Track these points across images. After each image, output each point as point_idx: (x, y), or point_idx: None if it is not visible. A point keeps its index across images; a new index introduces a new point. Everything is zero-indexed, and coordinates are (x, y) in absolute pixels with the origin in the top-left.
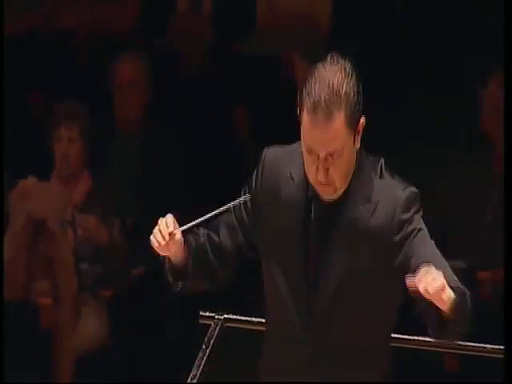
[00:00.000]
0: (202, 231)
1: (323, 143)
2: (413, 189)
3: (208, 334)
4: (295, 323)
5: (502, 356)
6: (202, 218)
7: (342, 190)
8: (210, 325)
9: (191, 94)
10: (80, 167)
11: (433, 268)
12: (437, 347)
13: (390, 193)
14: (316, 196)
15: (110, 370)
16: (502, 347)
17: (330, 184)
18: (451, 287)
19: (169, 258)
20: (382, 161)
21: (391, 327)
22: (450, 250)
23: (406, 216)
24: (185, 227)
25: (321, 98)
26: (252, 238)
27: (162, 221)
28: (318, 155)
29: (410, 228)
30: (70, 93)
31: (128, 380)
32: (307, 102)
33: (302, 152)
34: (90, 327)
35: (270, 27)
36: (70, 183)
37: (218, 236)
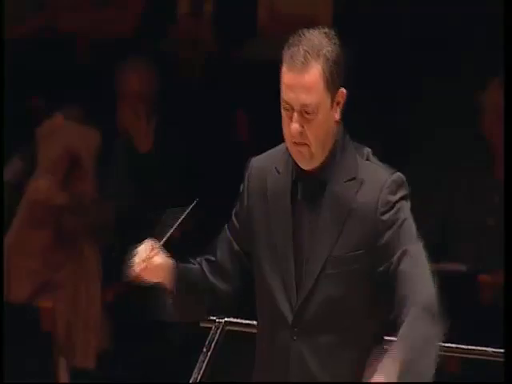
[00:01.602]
0: (199, 258)
1: (298, 92)
2: (400, 174)
3: (209, 338)
4: (283, 310)
5: (501, 359)
6: (172, 229)
7: (320, 158)
8: (211, 328)
9: (192, 98)
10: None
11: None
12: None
13: (376, 174)
14: (301, 176)
15: (111, 373)
16: (501, 350)
17: (305, 145)
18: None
19: (164, 287)
20: (369, 149)
21: (377, 316)
22: (451, 253)
23: (393, 198)
24: (162, 241)
25: (300, 48)
26: (246, 243)
27: (141, 248)
28: (293, 111)
29: (397, 214)
30: (71, 98)
31: (130, 382)
32: (287, 54)
33: (286, 150)
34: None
35: (271, 30)
36: None
37: (215, 255)
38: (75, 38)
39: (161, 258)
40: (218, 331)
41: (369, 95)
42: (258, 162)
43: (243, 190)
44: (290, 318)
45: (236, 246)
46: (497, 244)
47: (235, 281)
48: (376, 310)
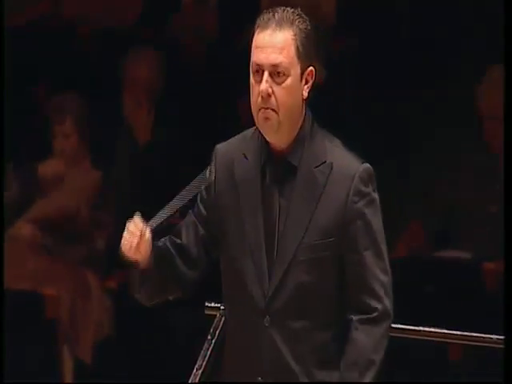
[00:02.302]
0: (164, 239)
1: (270, 52)
2: (367, 165)
3: (213, 325)
4: (255, 297)
5: (503, 346)
6: (165, 212)
7: (286, 132)
8: (216, 315)
9: (196, 85)
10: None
11: None
12: (444, 338)
13: (346, 160)
14: (270, 161)
15: (116, 360)
16: (503, 338)
17: (272, 112)
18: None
19: (137, 263)
20: (338, 140)
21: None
22: (455, 241)
23: (365, 189)
24: (154, 224)
25: (274, 15)
26: (213, 229)
27: (130, 223)
28: (263, 73)
29: (368, 205)
30: (74, 85)
31: (134, 371)
32: (260, 20)
33: (253, 134)
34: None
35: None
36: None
37: (181, 238)
38: (78, 25)
39: (148, 233)
40: (223, 318)
41: (368, 89)
42: (223, 148)
43: (210, 175)
44: (262, 304)
45: (202, 230)
46: (500, 231)
47: (200, 264)
48: (347, 296)
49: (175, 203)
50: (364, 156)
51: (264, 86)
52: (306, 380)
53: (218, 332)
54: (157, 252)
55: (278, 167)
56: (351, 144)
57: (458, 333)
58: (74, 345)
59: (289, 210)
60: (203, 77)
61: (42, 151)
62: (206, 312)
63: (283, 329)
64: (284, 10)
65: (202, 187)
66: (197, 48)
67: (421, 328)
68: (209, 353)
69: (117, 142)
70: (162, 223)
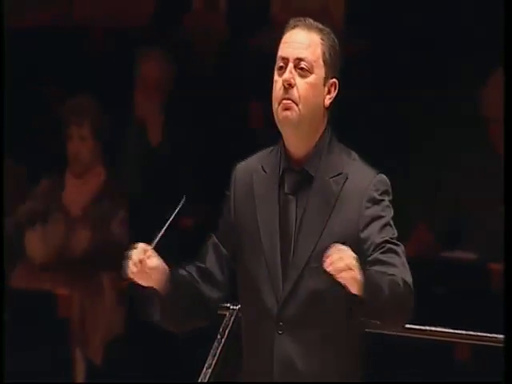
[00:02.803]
0: (189, 266)
1: (297, 47)
2: (382, 176)
3: (223, 324)
4: (269, 304)
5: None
6: (162, 231)
7: (306, 129)
8: (225, 315)
9: (206, 89)
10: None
11: (344, 247)
12: (449, 337)
13: (362, 171)
14: (287, 171)
15: (126, 360)
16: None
17: (292, 104)
18: (368, 273)
19: (155, 290)
20: (355, 153)
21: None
22: (462, 242)
23: (379, 196)
24: (154, 243)
25: (305, 20)
26: (233, 246)
27: (133, 251)
28: (287, 66)
29: (381, 211)
30: (86, 89)
31: (144, 371)
32: (289, 23)
33: (272, 150)
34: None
35: (283, 21)
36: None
37: (205, 262)
38: (90, 27)
39: (154, 262)
40: (232, 318)
41: (376, 89)
42: (242, 166)
43: (229, 195)
44: (274, 311)
45: (224, 251)
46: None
47: (225, 286)
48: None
49: (167, 223)
50: (370, 158)
51: (287, 75)
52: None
53: (227, 331)
54: (176, 277)
55: (296, 177)
56: (358, 149)
57: (465, 332)
58: (85, 344)
59: (303, 218)
60: (213, 78)
61: (56, 153)
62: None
63: (296, 337)
64: (315, 21)
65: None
66: (207, 49)
67: (428, 328)
68: (218, 352)
69: (129, 142)
70: (160, 240)
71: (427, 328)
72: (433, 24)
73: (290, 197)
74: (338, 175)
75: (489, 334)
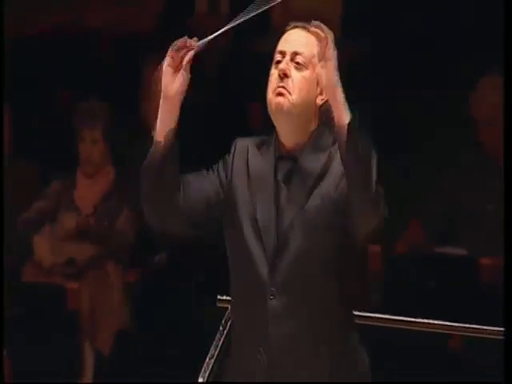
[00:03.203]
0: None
1: (294, 41)
2: None
3: (225, 317)
4: (262, 272)
5: (501, 337)
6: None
7: (295, 120)
8: (227, 308)
9: (210, 90)
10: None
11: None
12: (442, 329)
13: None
14: (281, 158)
15: (133, 350)
16: (501, 329)
17: (286, 92)
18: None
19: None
20: None
21: (349, 286)
22: (454, 238)
23: None
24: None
25: (304, 24)
26: (224, 203)
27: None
28: (283, 59)
29: None
30: (95, 93)
31: (151, 362)
32: (289, 25)
33: (267, 139)
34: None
35: (283, 26)
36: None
37: (191, 177)
38: (100, 32)
39: (188, 63)
40: None
41: (375, 90)
42: (241, 141)
43: (229, 161)
44: (265, 274)
45: (220, 189)
46: (496, 229)
47: (202, 228)
48: (346, 257)
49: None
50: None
51: (283, 65)
52: (310, 350)
53: (229, 323)
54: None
55: (287, 166)
56: None
57: (456, 324)
58: (94, 336)
59: (290, 193)
60: (216, 81)
61: (67, 154)
62: (218, 305)
63: (286, 301)
64: (313, 27)
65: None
66: (210, 53)
67: (420, 320)
68: (221, 343)
69: (135, 142)
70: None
71: (420, 320)
72: (430, 26)
73: (281, 183)
74: (323, 155)
75: (479, 326)
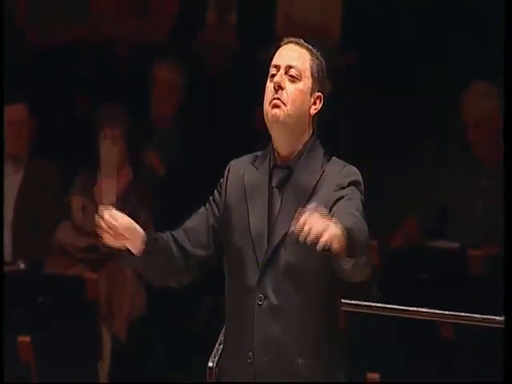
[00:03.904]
0: (175, 230)
1: (288, 55)
2: (353, 167)
3: None
4: (251, 280)
5: (488, 324)
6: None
7: (291, 129)
8: None
9: (219, 94)
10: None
11: (314, 216)
12: (434, 317)
13: (336, 165)
14: (275, 168)
15: (147, 335)
16: (488, 317)
17: (281, 104)
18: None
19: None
20: (336, 158)
21: (333, 280)
22: (446, 232)
23: (346, 181)
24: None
25: (297, 39)
26: (220, 224)
27: (100, 219)
28: (278, 72)
29: (348, 193)
30: (113, 96)
31: (163, 346)
32: (283, 41)
33: (262, 153)
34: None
35: (287, 35)
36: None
37: (191, 223)
38: (117, 42)
39: (126, 222)
40: None
41: (369, 96)
42: (236, 162)
43: (223, 183)
44: (254, 281)
45: (212, 220)
46: (484, 224)
47: (208, 245)
48: (331, 273)
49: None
50: (364, 159)
51: (278, 78)
52: (298, 359)
53: None
54: (154, 241)
55: (281, 173)
56: (353, 150)
57: (448, 312)
58: (111, 323)
59: (283, 205)
60: (224, 86)
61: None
62: None
63: (273, 307)
64: (305, 42)
65: None
66: (219, 61)
67: (415, 309)
68: None
69: (148, 142)
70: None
71: (414, 309)
72: (422, 35)
73: (276, 190)
74: (315, 171)
75: (469, 314)
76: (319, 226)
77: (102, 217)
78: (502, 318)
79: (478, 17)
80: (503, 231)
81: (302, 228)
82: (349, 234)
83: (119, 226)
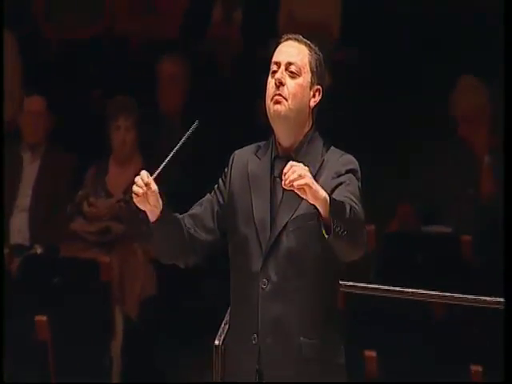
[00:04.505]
0: (183, 215)
1: (288, 52)
2: (350, 156)
3: None
4: (253, 260)
5: (477, 304)
6: (166, 160)
7: (292, 122)
8: None
9: (223, 89)
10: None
11: (296, 163)
12: (428, 298)
13: (334, 155)
14: (277, 158)
15: (157, 315)
16: (478, 297)
17: (282, 99)
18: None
19: (146, 215)
20: (334, 147)
21: (332, 264)
22: (438, 218)
23: (343, 169)
24: (155, 174)
25: (295, 36)
26: (225, 211)
27: (138, 177)
28: (279, 69)
29: (345, 179)
30: (125, 88)
31: (172, 325)
32: (283, 38)
33: (265, 143)
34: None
35: (289, 33)
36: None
37: (197, 210)
38: (130, 39)
39: (155, 187)
40: None
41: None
42: (240, 152)
43: (227, 172)
44: (258, 266)
45: (217, 207)
46: (475, 210)
47: (214, 231)
48: (330, 258)
49: (170, 155)
50: (366, 153)
51: (279, 75)
52: (300, 338)
53: None
54: (170, 213)
55: (283, 163)
56: (355, 144)
57: (441, 293)
58: (123, 303)
59: (285, 194)
60: (229, 81)
61: (101, 144)
62: None
63: (276, 291)
64: (304, 38)
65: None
66: (224, 56)
67: (410, 290)
68: None
69: (157, 131)
70: (160, 172)
71: (409, 290)
72: (418, 35)
73: (278, 179)
74: (315, 160)
75: (461, 295)
76: (294, 174)
77: (140, 176)
78: (490, 299)
79: (478, 16)
80: (502, 219)
81: (286, 173)
82: (336, 203)
83: (152, 185)
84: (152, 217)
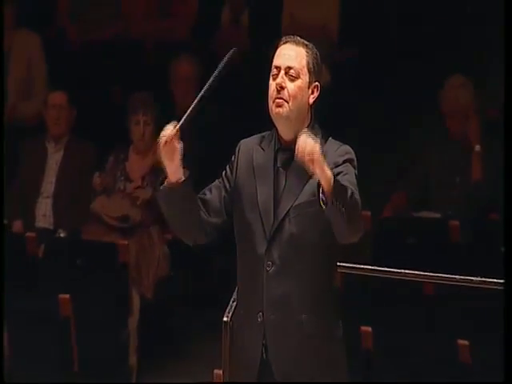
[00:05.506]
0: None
1: (287, 56)
2: (347, 146)
3: None
4: (258, 244)
5: (464, 284)
6: (194, 103)
7: (293, 122)
8: None
9: (232, 88)
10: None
11: (309, 137)
12: (419, 277)
13: (332, 146)
14: (280, 150)
15: (171, 294)
16: (465, 277)
17: (283, 102)
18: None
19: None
20: (332, 138)
21: (332, 247)
22: (429, 204)
23: (341, 159)
24: (182, 121)
25: (293, 38)
26: (232, 197)
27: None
28: (279, 73)
29: (343, 169)
30: (141, 86)
31: (186, 304)
32: (281, 40)
33: (268, 134)
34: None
35: (291, 33)
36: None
37: (206, 194)
38: (143, 41)
39: (178, 149)
40: None
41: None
42: (245, 142)
43: (234, 160)
44: (263, 250)
45: (224, 193)
46: (463, 197)
47: (221, 214)
48: (329, 242)
49: (195, 102)
50: (366, 145)
51: (280, 79)
52: (302, 315)
53: None
54: (190, 184)
55: (285, 155)
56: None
57: (431, 274)
58: (139, 283)
59: (287, 183)
60: (236, 82)
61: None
62: None
63: (280, 273)
64: (301, 38)
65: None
66: (232, 58)
67: (402, 270)
68: None
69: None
70: (187, 118)
71: (401, 270)
72: (413, 35)
73: (281, 169)
74: None
75: (449, 275)
76: (313, 145)
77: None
78: (477, 279)
79: (476, 16)
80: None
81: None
82: (339, 183)
83: (177, 139)
84: (173, 178)
